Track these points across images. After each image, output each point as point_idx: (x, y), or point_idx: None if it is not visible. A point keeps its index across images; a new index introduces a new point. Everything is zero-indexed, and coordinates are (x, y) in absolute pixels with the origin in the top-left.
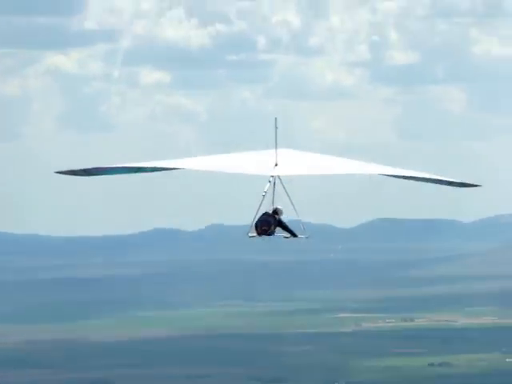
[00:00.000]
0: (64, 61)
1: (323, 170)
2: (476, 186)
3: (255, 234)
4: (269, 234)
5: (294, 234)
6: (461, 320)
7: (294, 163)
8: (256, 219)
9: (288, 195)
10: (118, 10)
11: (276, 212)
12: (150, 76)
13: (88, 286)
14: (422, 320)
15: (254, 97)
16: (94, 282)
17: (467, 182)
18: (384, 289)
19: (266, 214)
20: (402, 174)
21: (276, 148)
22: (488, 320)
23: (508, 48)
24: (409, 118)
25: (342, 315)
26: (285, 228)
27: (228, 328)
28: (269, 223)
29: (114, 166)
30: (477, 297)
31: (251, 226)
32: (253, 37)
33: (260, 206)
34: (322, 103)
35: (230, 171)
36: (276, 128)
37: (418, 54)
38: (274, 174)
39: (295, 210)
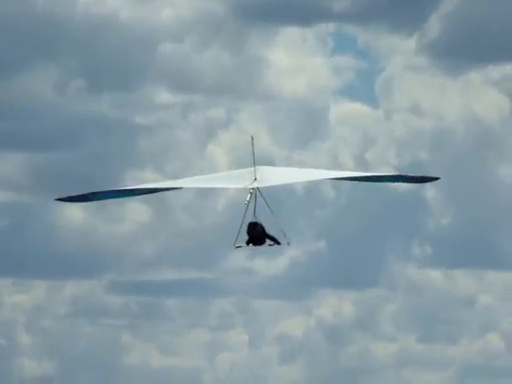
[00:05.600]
0: None
1: (293, 179)
2: (436, 179)
3: (242, 245)
4: (260, 244)
5: (277, 242)
6: None
7: (270, 177)
8: (240, 230)
9: (268, 206)
10: None
11: (258, 224)
12: None
13: None
14: None
15: None
16: None
17: (427, 176)
18: None
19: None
20: (366, 175)
21: (254, 166)
22: None
23: (168, 358)
24: None
25: None
26: (269, 237)
27: None
28: (260, 232)
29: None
30: None
31: (237, 236)
32: None
33: (244, 215)
34: None
35: (216, 186)
36: (253, 146)
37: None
38: (254, 186)
39: (275, 218)
